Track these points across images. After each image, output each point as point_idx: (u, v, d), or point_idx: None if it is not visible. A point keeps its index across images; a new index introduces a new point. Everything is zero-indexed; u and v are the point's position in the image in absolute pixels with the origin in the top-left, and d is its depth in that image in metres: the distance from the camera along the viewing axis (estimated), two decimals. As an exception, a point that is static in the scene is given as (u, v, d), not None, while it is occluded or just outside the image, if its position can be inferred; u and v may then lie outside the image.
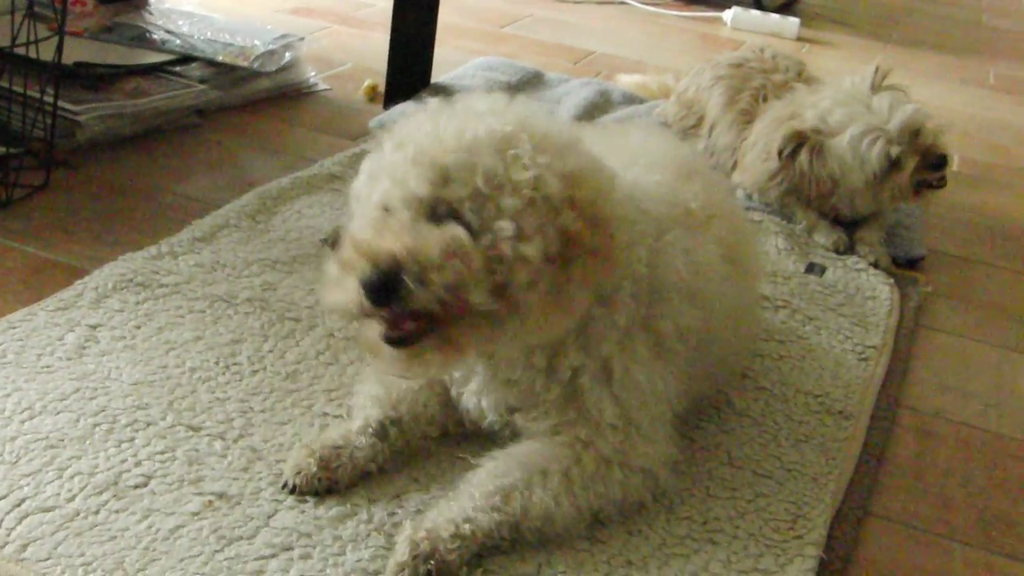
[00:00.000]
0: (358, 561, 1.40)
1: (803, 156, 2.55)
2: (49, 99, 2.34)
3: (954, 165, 3.17)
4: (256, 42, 3.03)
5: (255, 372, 1.77)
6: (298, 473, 1.51)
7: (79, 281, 1.94)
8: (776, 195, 2.66)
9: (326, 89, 3.19)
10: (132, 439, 1.57)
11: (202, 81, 2.84)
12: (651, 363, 1.54)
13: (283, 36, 3.14)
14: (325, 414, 1.70)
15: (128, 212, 2.30)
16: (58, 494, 1.44)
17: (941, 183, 2.58)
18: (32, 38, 2.22)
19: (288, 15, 3.88)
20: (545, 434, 1.53)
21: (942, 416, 2.00)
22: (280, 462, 1.56)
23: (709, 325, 1.63)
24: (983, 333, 2.35)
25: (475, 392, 1.60)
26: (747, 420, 1.83)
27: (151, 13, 3.14)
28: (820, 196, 2.60)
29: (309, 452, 1.53)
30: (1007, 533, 1.71)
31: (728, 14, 4.71)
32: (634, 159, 1.72)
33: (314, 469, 1.51)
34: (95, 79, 2.66)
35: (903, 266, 2.59)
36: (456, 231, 1.35)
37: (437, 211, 1.38)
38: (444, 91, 2.93)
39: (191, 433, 1.60)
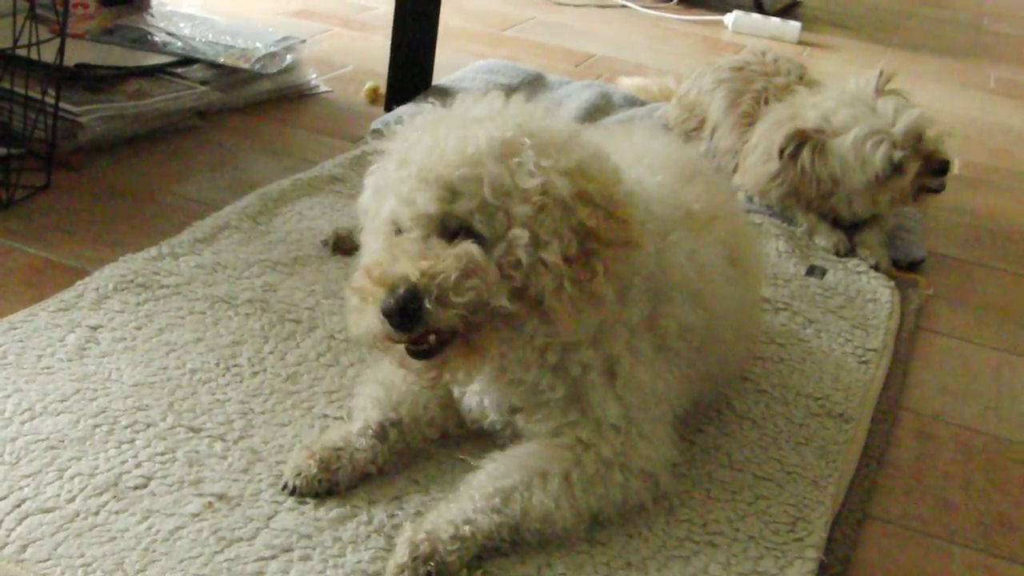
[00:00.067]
0: (358, 562, 1.40)
1: (805, 155, 2.55)
2: (50, 100, 2.34)
3: (955, 168, 3.17)
4: (257, 44, 3.03)
5: (255, 374, 1.77)
6: (298, 475, 1.51)
7: (80, 282, 1.94)
8: (777, 196, 2.66)
9: (327, 91, 3.19)
10: (132, 440, 1.57)
11: (203, 83, 2.85)
12: (654, 363, 1.55)
13: (284, 38, 3.14)
14: (325, 416, 1.70)
15: (129, 213, 2.30)
16: (58, 495, 1.44)
17: (940, 188, 2.58)
18: (34, 40, 2.23)
19: (290, 17, 3.88)
20: (546, 435, 1.53)
21: (942, 419, 2.00)
22: (280, 464, 1.56)
23: (711, 326, 1.64)
24: (983, 336, 2.35)
25: (477, 391, 1.60)
26: (747, 423, 1.83)
27: (152, 15, 3.14)
28: (819, 196, 2.60)
29: (309, 454, 1.53)
30: (1007, 536, 1.71)
31: (729, 18, 4.71)
32: (637, 160, 1.72)
33: (314, 471, 1.51)
34: (96, 81, 2.66)
35: (904, 269, 2.60)
36: (469, 248, 1.36)
37: (448, 225, 1.39)
38: (445, 94, 2.93)
39: (191, 434, 1.60)
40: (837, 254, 2.57)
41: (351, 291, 1.42)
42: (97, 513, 1.42)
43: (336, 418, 1.69)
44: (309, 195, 2.45)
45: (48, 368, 1.70)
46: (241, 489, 1.51)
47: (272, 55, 3.03)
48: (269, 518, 1.46)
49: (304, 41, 3.20)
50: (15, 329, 1.79)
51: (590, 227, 1.39)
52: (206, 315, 1.91)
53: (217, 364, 1.78)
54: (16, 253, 2.07)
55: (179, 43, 2.96)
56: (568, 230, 1.38)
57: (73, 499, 1.44)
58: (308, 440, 1.60)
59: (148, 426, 1.60)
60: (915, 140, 2.52)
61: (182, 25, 3.09)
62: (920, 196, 2.59)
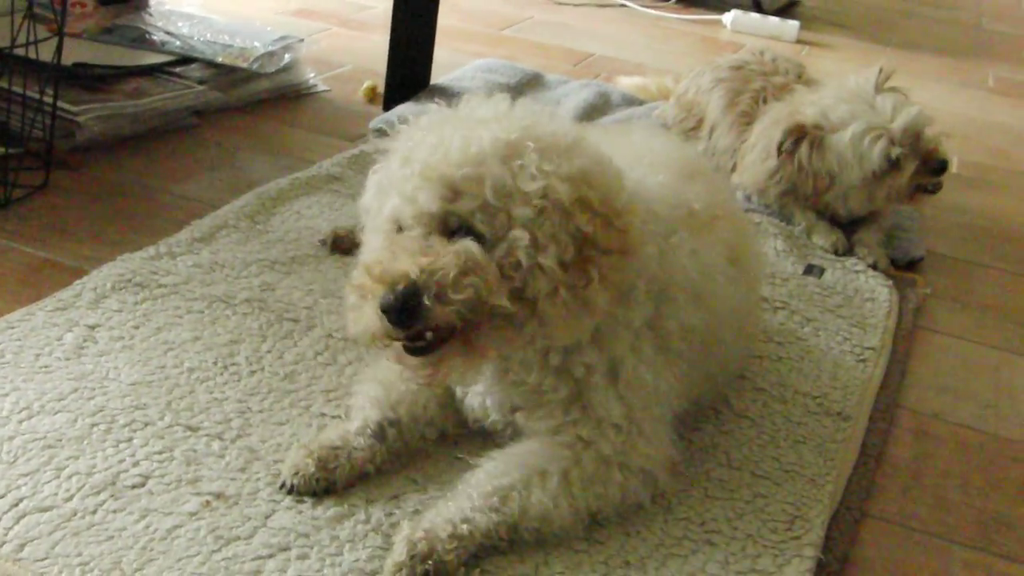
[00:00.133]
0: (355, 561, 1.40)
1: (803, 150, 2.55)
2: (48, 100, 2.34)
3: (953, 167, 3.17)
4: (256, 43, 3.03)
5: (253, 372, 1.77)
6: (296, 473, 1.51)
7: (78, 281, 1.94)
8: (775, 194, 2.66)
9: (325, 90, 3.19)
10: (130, 439, 1.57)
11: (201, 82, 2.85)
12: (656, 363, 1.55)
13: (283, 38, 3.14)
14: (323, 415, 1.70)
15: (127, 212, 2.30)
16: (56, 494, 1.44)
17: (936, 188, 2.58)
18: (32, 39, 2.23)
19: (288, 17, 3.88)
20: (546, 433, 1.53)
21: (940, 418, 2.00)
22: (278, 462, 1.56)
23: (712, 326, 1.64)
24: (981, 335, 2.35)
25: (480, 392, 1.60)
26: (745, 421, 1.83)
27: (151, 15, 3.14)
28: (816, 192, 2.60)
29: (307, 452, 1.53)
30: (1005, 534, 1.71)
31: (728, 17, 4.71)
32: (637, 159, 1.72)
33: (312, 469, 1.51)
34: (94, 80, 2.66)
35: (902, 268, 2.59)
36: (469, 246, 1.36)
37: (449, 224, 1.39)
38: (443, 93, 2.93)
39: (189, 433, 1.60)
40: (835, 253, 2.56)
41: (350, 289, 1.42)
42: (95, 512, 1.42)
43: (334, 417, 1.69)
44: (307, 194, 2.45)
45: (46, 367, 1.70)
46: (239, 488, 1.51)
47: (270, 54, 3.03)
48: (267, 517, 1.46)
49: (302, 40, 3.20)
50: (13, 328, 1.79)
51: (588, 234, 1.39)
52: (204, 314, 1.91)
53: (215, 363, 1.78)
54: (14, 252, 2.07)
55: (177, 42, 2.96)
56: (566, 235, 1.38)
57: (71, 498, 1.44)
58: (306, 439, 1.60)
59: (146, 425, 1.60)
60: (914, 138, 2.52)
61: (180, 24, 3.09)
62: (917, 195, 2.59)
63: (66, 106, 2.46)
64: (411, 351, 1.40)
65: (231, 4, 3.83)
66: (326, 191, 2.48)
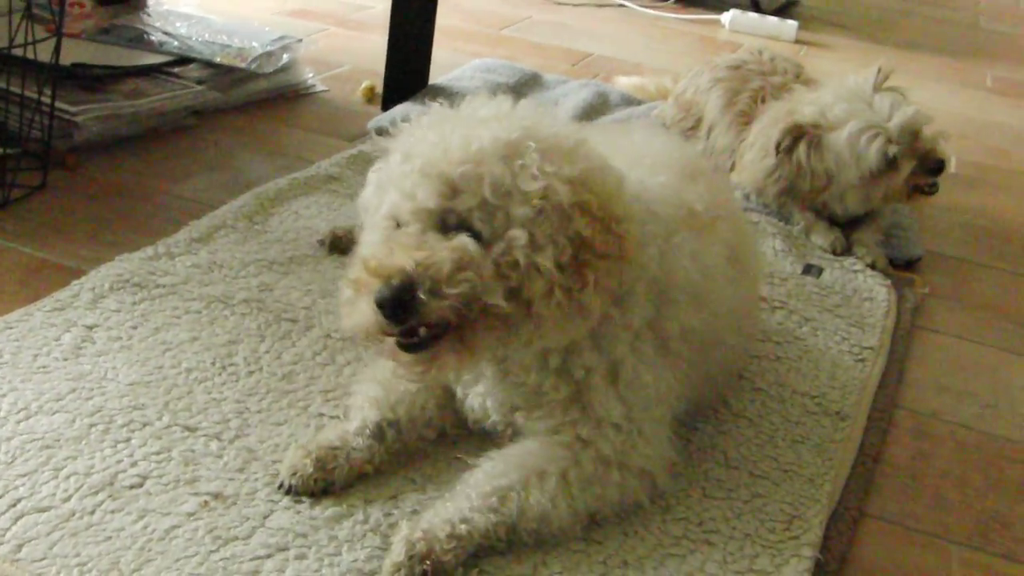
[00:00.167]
0: (354, 561, 1.40)
1: (801, 149, 2.55)
2: (47, 100, 2.34)
3: (951, 167, 3.17)
4: (254, 43, 3.03)
5: (251, 373, 1.77)
6: (294, 474, 1.51)
7: (76, 282, 1.94)
8: (773, 193, 2.66)
9: (324, 90, 3.19)
10: (128, 439, 1.57)
11: (200, 82, 2.85)
12: (656, 364, 1.55)
13: (281, 38, 3.14)
14: (321, 415, 1.69)
15: (125, 213, 2.30)
16: (54, 494, 1.44)
17: (933, 189, 2.58)
18: (30, 39, 2.23)
19: (286, 17, 3.88)
20: (545, 433, 1.53)
21: (938, 417, 2.00)
22: (276, 463, 1.56)
23: (713, 327, 1.64)
24: (980, 334, 2.35)
25: (481, 393, 1.60)
26: (744, 421, 1.83)
27: (149, 15, 3.14)
28: (813, 191, 2.60)
29: (305, 453, 1.53)
30: (1003, 534, 1.71)
31: (726, 16, 4.72)
32: (638, 159, 1.72)
33: (310, 470, 1.51)
34: (93, 80, 2.66)
35: (900, 267, 2.60)
36: (465, 242, 1.36)
37: (447, 222, 1.39)
38: (442, 93, 2.93)
39: (187, 433, 1.60)
40: (834, 253, 2.57)
41: (346, 283, 1.42)
42: (93, 512, 1.42)
43: (332, 417, 1.69)
44: (305, 194, 2.45)
45: (44, 367, 1.70)
46: (237, 488, 1.50)
47: (268, 54, 3.03)
48: (265, 517, 1.46)
49: (300, 40, 3.20)
50: (11, 329, 1.79)
51: (586, 237, 1.39)
52: (202, 314, 1.91)
53: (213, 363, 1.77)
54: (12, 253, 2.07)
55: (175, 42, 2.96)
56: (564, 238, 1.38)
57: (69, 498, 1.44)
58: (304, 439, 1.60)
59: (144, 425, 1.60)
60: (911, 137, 2.52)
61: (178, 24, 3.09)
62: (914, 196, 2.59)
63: (64, 106, 2.46)
64: (405, 347, 1.39)
65: (229, 4, 3.83)
66: (324, 191, 2.48)
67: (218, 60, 2.93)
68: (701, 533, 1.55)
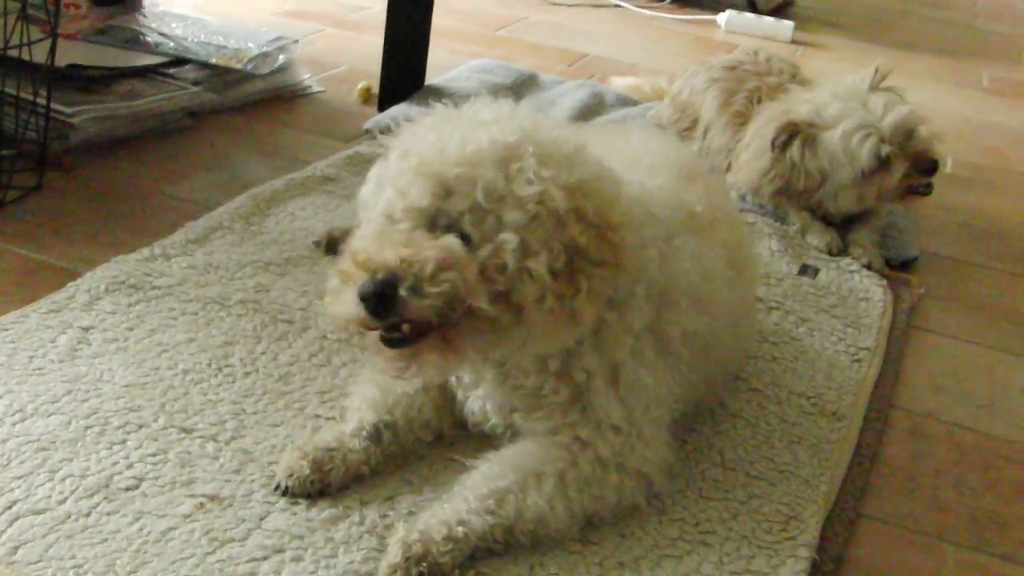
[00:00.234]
0: (350, 563, 1.40)
1: (795, 147, 2.55)
2: (42, 101, 2.33)
3: (947, 167, 3.18)
4: (250, 44, 3.03)
5: (248, 374, 1.77)
6: (290, 475, 1.51)
7: (71, 283, 1.94)
8: (769, 193, 2.66)
9: (320, 91, 3.19)
10: (124, 441, 1.57)
11: (196, 83, 2.84)
12: (656, 367, 1.55)
13: (277, 39, 3.14)
14: (318, 416, 1.69)
15: (121, 214, 2.30)
16: (49, 496, 1.44)
17: (927, 190, 2.58)
18: (25, 40, 2.22)
19: (282, 18, 3.88)
20: (544, 435, 1.53)
21: (935, 417, 2.00)
22: (272, 464, 1.56)
23: (712, 329, 1.64)
24: (976, 335, 2.35)
25: (481, 396, 1.60)
26: (740, 421, 1.83)
27: (145, 16, 3.13)
28: (807, 191, 2.60)
29: (301, 454, 1.52)
30: (1000, 534, 1.71)
31: (722, 17, 4.71)
32: (636, 161, 1.72)
33: (306, 471, 1.51)
34: (88, 81, 2.66)
35: (896, 268, 2.60)
36: (451, 242, 1.36)
37: (437, 222, 1.39)
38: (438, 93, 2.93)
39: (183, 435, 1.60)
40: (830, 253, 2.57)
41: (334, 273, 1.42)
42: (88, 514, 1.42)
43: (328, 418, 1.69)
44: (302, 195, 2.45)
45: (39, 369, 1.70)
46: (233, 490, 1.50)
47: (265, 55, 3.02)
48: (261, 519, 1.46)
49: (297, 41, 3.20)
50: (6, 331, 1.78)
51: (580, 244, 1.39)
52: (198, 316, 1.91)
53: (209, 365, 1.77)
54: (7, 254, 2.07)
55: (171, 43, 2.96)
56: (558, 244, 1.38)
57: (64, 500, 1.44)
58: (300, 440, 1.60)
59: (140, 427, 1.60)
60: (904, 137, 2.52)
61: (174, 25, 3.08)
62: (908, 196, 2.59)
63: (60, 107, 2.45)
64: (387, 342, 1.39)
65: (225, 5, 3.82)
66: (321, 192, 2.48)
67: (214, 61, 2.93)
68: (697, 534, 1.55)
